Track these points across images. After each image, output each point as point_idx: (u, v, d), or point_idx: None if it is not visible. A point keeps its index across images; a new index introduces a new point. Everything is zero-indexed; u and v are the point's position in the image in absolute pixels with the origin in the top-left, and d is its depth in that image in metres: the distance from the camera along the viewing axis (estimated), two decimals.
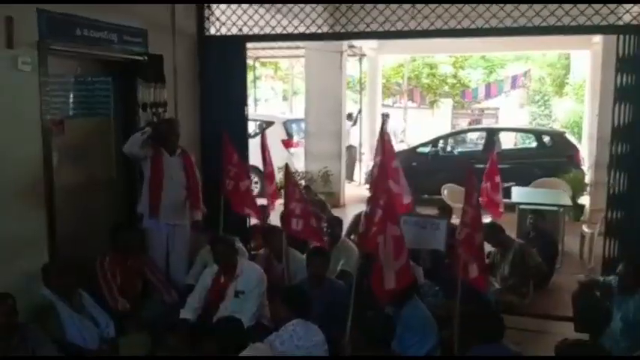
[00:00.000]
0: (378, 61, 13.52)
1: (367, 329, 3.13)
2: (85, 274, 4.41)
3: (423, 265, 4.98)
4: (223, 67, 5.85)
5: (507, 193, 7.74)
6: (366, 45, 11.95)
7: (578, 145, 10.23)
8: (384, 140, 4.56)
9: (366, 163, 12.80)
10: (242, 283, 4.41)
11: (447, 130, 15.55)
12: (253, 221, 6.48)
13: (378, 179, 4.13)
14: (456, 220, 5.22)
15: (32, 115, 4.07)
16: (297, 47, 11.54)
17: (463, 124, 19.50)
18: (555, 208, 6.98)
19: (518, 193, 7.69)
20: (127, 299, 4.54)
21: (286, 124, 11.42)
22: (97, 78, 4.97)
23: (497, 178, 6.31)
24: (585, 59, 12.86)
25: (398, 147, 12.03)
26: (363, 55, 12.72)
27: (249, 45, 6.06)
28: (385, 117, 14.80)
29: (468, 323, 3.31)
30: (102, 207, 5.07)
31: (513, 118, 19.44)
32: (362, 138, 13.29)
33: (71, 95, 4.74)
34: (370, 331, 3.11)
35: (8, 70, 3.84)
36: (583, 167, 9.65)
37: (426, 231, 4.28)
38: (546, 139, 10.45)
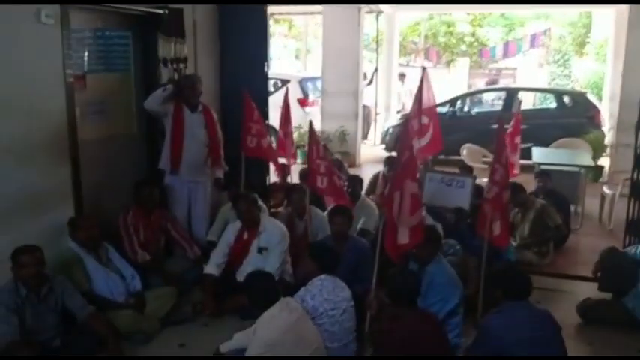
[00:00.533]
0: (395, 18, 13.25)
1: (392, 286, 3.14)
2: (110, 228, 4.47)
3: (446, 222, 4.97)
4: (243, 23, 5.77)
5: (527, 154, 7.69)
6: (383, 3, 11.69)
7: (599, 106, 10.04)
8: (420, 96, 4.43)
9: (381, 124, 12.69)
10: (265, 240, 4.46)
11: (464, 90, 15.31)
12: (272, 179, 6.52)
13: (402, 137, 4.08)
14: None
15: (55, 69, 4.04)
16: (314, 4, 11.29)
17: (480, 83, 19.24)
18: (576, 169, 6.91)
19: (539, 154, 7.62)
20: (149, 253, 4.60)
21: (302, 83, 11.27)
22: (116, 32, 4.92)
23: (518, 139, 6.25)
24: (608, 18, 12.47)
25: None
26: (381, 12, 12.44)
27: None
28: (401, 76, 14.67)
29: (493, 282, 3.30)
30: (123, 161, 5.08)
31: (532, 78, 19.06)
32: (377, 97, 13.12)
33: (92, 50, 4.69)
34: (395, 287, 3.11)
35: (32, 24, 3.79)
36: (603, 128, 9.50)
37: (451, 189, 4.28)
38: (567, 99, 10.27)
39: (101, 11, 4.57)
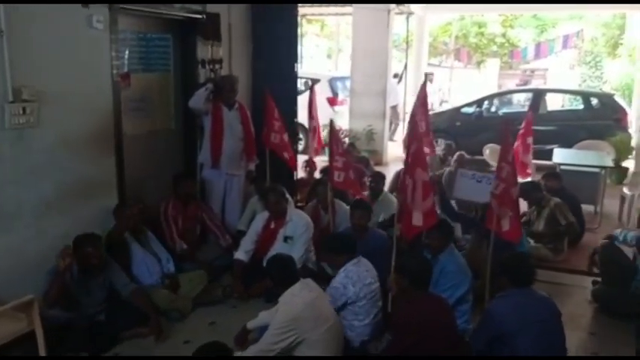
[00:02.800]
0: (425, 19, 13.43)
1: (409, 268, 3.39)
2: (149, 215, 4.86)
3: (467, 220, 5.26)
4: (275, 25, 6.09)
5: (550, 155, 7.84)
6: (414, 4, 11.87)
7: (627, 108, 10.05)
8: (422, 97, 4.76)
9: None
10: (290, 229, 4.79)
11: (493, 91, 15.38)
12: (300, 175, 6.84)
13: (410, 129, 4.36)
14: None
15: (104, 69, 4.45)
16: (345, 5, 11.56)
17: (510, 85, 19.18)
18: (596, 170, 7.05)
19: (560, 154, 7.77)
20: (186, 242, 4.99)
21: (331, 82, 11.55)
22: (158, 35, 5.31)
23: (530, 140, 6.43)
24: None
25: (441, 107, 12.08)
26: (411, 13, 12.64)
27: None
28: (428, 76, 14.83)
29: (500, 269, 3.53)
30: (162, 155, 5.48)
31: (563, 79, 18.94)
32: (406, 97, 13.31)
33: (136, 52, 5.09)
34: (412, 270, 3.37)
35: (84, 28, 4.20)
36: (630, 130, 9.53)
37: (480, 185, 4.52)
38: (594, 101, 10.30)
39: (145, 16, 4.96)
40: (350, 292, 3.73)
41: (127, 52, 4.95)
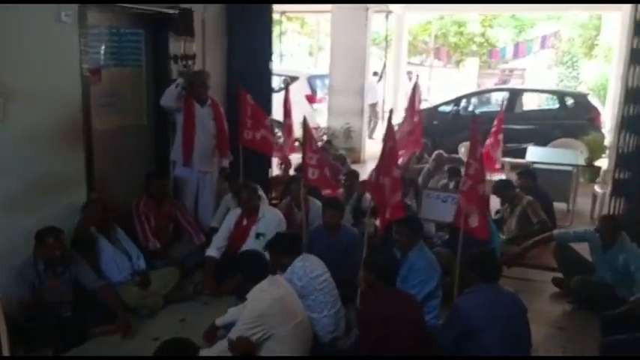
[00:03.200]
0: (404, 18, 13.48)
1: (376, 264, 3.41)
2: (119, 211, 4.81)
3: (445, 233, 5.37)
4: (250, 21, 6.07)
5: (523, 153, 7.95)
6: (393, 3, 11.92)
7: (600, 108, 10.21)
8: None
9: None
10: (263, 226, 4.79)
11: (473, 90, 15.51)
12: (275, 172, 6.84)
13: (387, 129, 4.36)
14: None
15: (73, 64, 4.39)
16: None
17: (489, 84, 19.35)
18: (569, 168, 7.15)
19: (533, 153, 7.88)
20: (159, 240, 4.95)
21: (310, 80, 11.58)
22: (130, 30, 5.25)
23: (500, 136, 6.55)
24: (616, 21, 12.62)
25: (422, 105, 12.18)
26: (390, 12, 12.68)
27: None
28: (409, 74, 14.93)
29: (470, 265, 3.56)
30: (133, 151, 5.43)
31: (541, 79, 19.18)
32: (385, 95, 13.37)
33: (107, 47, 5.03)
34: (379, 265, 3.39)
35: (52, 22, 4.14)
36: (603, 130, 9.68)
37: (446, 205, 4.55)
38: (569, 101, 10.44)
39: (116, 11, 4.90)
40: (297, 286, 3.73)
41: (98, 47, 4.90)
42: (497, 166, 6.45)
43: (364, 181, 6.15)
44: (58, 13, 4.16)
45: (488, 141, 6.50)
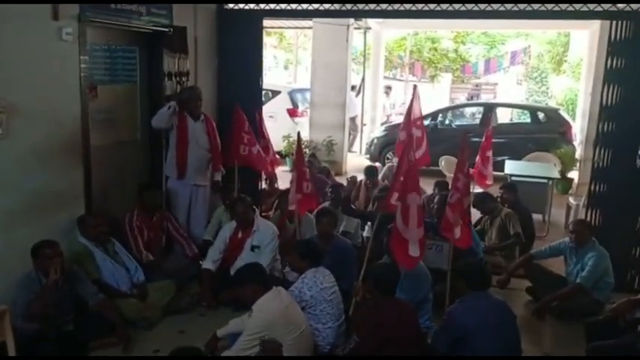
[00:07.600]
0: (381, 34, 13.79)
1: (376, 277, 3.58)
2: (116, 225, 4.88)
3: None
4: (241, 39, 6.22)
5: (501, 166, 8.23)
6: (372, 19, 12.19)
7: (571, 122, 10.62)
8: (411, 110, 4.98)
9: (366, 134, 13.18)
10: (257, 239, 4.91)
11: (446, 103, 15.90)
12: (263, 186, 6.96)
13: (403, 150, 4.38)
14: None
15: (73, 81, 4.47)
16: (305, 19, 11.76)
17: (462, 98, 19.84)
18: (544, 181, 7.46)
19: (511, 166, 8.17)
20: (152, 253, 5.03)
21: (292, 94, 11.74)
22: (125, 48, 5.35)
23: (489, 153, 6.74)
24: (584, 38, 13.15)
25: (398, 119, 12.51)
26: (368, 28, 12.98)
27: None
28: (387, 89, 15.21)
29: (459, 274, 3.75)
30: (128, 166, 5.50)
31: (511, 93, 19.78)
32: (363, 109, 13.61)
33: (103, 63, 5.11)
34: (379, 278, 3.56)
35: (54, 40, 4.22)
36: (574, 143, 10.07)
37: (430, 252, 4.64)
38: (541, 115, 10.82)
39: (113, 29, 4.99)
40: (306, 295, 3.88)
41: (94, 64, 4.97)
42: (489, 182, 6.63)
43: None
44: (59, 32, 4.24)
45: (478, 158, 6.67)
